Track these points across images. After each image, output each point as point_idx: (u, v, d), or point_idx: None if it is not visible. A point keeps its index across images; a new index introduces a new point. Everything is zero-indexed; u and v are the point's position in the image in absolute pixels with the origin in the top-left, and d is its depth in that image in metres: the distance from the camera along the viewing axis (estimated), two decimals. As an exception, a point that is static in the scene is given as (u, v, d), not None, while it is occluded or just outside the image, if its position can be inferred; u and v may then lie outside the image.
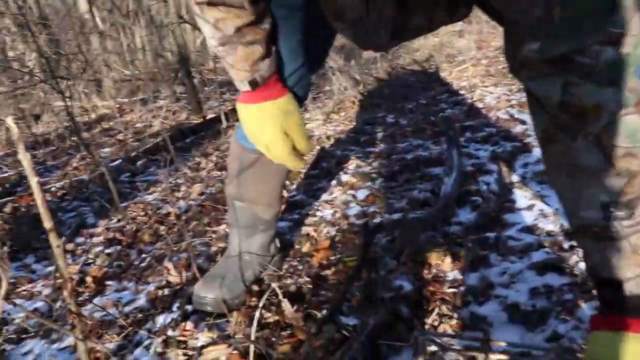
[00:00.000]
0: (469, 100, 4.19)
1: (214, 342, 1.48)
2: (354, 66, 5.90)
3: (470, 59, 6.07)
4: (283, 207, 2.52)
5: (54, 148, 5.17)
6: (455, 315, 1.53)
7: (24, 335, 1.78)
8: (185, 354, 1.47)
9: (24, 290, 2.09)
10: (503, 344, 1.25)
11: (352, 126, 4.06)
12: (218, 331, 1.60)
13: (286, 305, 1.59)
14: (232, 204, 1.75)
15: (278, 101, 1.35)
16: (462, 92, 4.62)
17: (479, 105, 4.02)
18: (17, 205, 3.25)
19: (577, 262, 1.71)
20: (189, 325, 1.61)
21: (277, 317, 1.60)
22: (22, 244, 2.58)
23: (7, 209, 3.19)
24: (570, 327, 1.40)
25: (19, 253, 2.50)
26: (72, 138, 5.16)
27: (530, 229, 2.01)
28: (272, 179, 1.72)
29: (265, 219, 1.77)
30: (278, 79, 1.37)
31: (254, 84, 1.31)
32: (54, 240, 1.17)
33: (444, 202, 2.19)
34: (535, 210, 2.17)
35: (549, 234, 1.95)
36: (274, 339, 1.50)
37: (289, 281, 1.81)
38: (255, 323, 1.35)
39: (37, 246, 2.56)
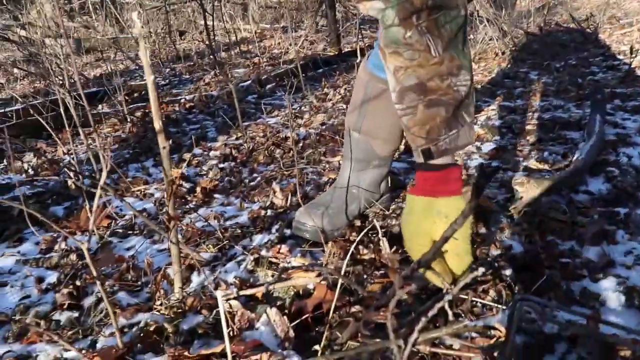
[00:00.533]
0: (626, 66, 3.78)
1: (305, 269, 1.45)
2: (504, 17, 5.54)
3: (637, 22, 5.47)
4: (402, 147, 2.43)
5: (191, 63, 5.36)
6: (564, 287, 1.39)
7: (129, 232, 1.86)
8: (273, 275, 1.46)
9: (138, 190, 2.19)
10: (614, 327, 1.11)
11: (490, 78, 3.84)
12: (311, 259, 1.57)
13: (384, 244, 1.53)
14: (349, 134, 1.69)
15: (453, 199, 1.23)
16: (620, 56, 4.19)
17: (638, 72, 3.62)
18: (147, 111, 3.40)
19: None
20: (283, 248, 1.60)
21: (373, 255, 1.54)
22: (145, 148, 2.70)
23: (139, 113, 3.35)
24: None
25: (140, 156, 2.62)
26: (210, 56, 5.31)
27: (670, 212, 1.79)
28: (391, 115, 1.62)
29: (381, 155, 1.69)
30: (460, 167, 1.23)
31: (427, 155, 1.15)
32: (162, 141, 1.17)
33: (574, 167, 2.00)
34: (682, 193, 1.93)
35: (692, 220, 1.73)
36: (365, 276, 1.45)
37: (393, 222, 1.74)
38: (348, 257, 1.30)
39: (158, 152, 2.66)
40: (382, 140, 1.66)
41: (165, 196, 1.21)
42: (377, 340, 1.05)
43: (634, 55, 3.82)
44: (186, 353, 1.15)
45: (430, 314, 0.87)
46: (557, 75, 3.75)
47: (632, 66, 3.76)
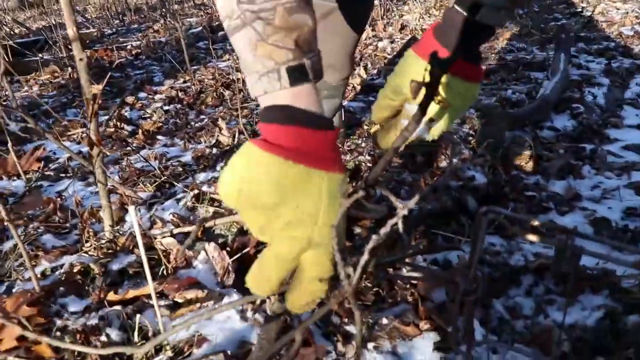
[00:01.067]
0: (590, 14, 3.71)
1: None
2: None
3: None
4: (359, 88, 2.31)
5: (143, 16, 5.11)
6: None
7: (62, 175, 1.70)
8: (216, 212, 1.33)
9: (74, 134, 2.02)
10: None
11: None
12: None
13: None
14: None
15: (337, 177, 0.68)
16: (582, 4, 4.11)
17: (600, 18, 3.55)
18: (90, 57, 3.19)
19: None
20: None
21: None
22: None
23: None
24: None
25: (79, 101, 2.43)
26: (163, 9, 5.06)
27: (636, 148, 1.71)
28: (339, 39, 1.48)
29: (331, 84, 1.56)
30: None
31: (299, 77, 0.66)
32: (77, 52, 1.02)
33: (539, 104, 1.90)
34: (647, 130, 1.86)
35: (660, 155, 1.66)
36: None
37: (347, 157, 1.61)
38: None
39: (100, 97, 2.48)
40: (331, 68, 1.52)
41: (87, 117, 1.06)
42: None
43: (596, 3, 3.76)
44: (112, 294, 1.02)
45: (383, 231, 0.76)
46: (520, 20, 3.65)
47: (595, 12, 3.70)
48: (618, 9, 3.82)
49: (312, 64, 0.66)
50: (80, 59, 1.01)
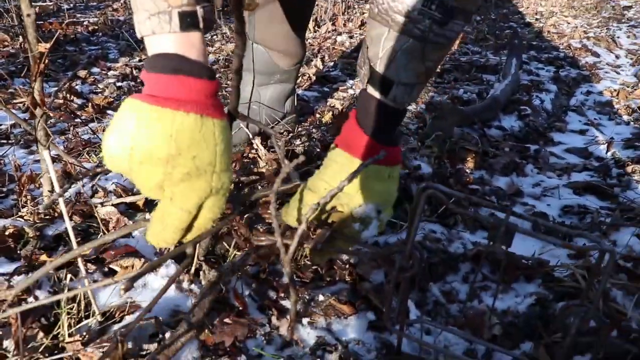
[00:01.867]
0: (542, 25, 3.82)
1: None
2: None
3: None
4: (314, 78, 2.31)
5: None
6: (472, 213, 1.33)
7: (4, 141, 1.65)
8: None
9: (20, 102, 1.96)
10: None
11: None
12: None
13: (260, 150, 1.43)
14: (248, 45, 1.54)
15: (225, 123, 0.68)
16: (536, 16, 4.24)
17: (552, 30, 3.66)
18: (44, 30, 3.10)
19: (624, 190, 1.48)
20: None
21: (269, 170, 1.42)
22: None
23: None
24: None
25: (29, 70, 2.36)
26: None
27: (577, 151, 1.78)
28: (285, 24, 1.49)
29: (283, 68, 1.56)
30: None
31: (191, 23, 0.64)
32: (25, 6, 0.99)
33: (489, 103, 1.95)
34: (588, 136, 1.93)
35: (598, 159, 1.72)
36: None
37: (297, 142, 1.61)
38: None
39: (51, 68, 2.41)
40: (283, 53, 1.53)
41: (31, 76, 1.03)
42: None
43: (549, 16, 3.87)
44: (45, 257, 0.99)
45: (322, 201, 0.76)
46: (477, 26, 3.73)
47: (548, 24, 3.81)
48: (569, 23, 3.96)
49: (204, 13, 0.65)
50: (28, 15, 0.98)
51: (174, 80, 0.62)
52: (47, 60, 1.00)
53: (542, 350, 0.90)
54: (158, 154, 0.61)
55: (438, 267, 1.11)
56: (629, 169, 1.59)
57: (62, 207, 0.81)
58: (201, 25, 0.64)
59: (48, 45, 1.00)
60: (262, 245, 0.95)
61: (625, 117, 2.11)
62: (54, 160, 1.33)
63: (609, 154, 1.73)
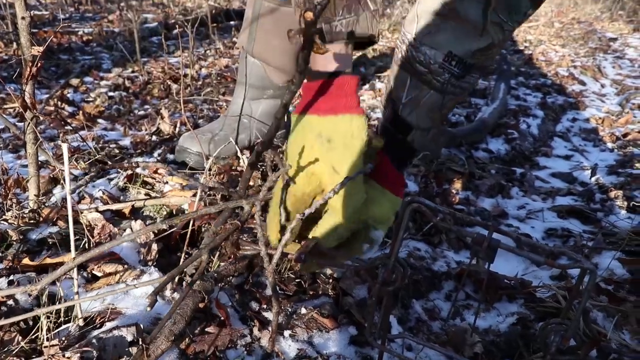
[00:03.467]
0: (531, 52, 3.88)
1: (181, 189, 1.31)
2: None
3: (544, 18, 5.69)
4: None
5: (99, 7, 5.02)
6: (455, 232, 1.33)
7: (-8, 146, 1.65)
8: (147, 195, 1.31)
9: (11, 108, 1.95)
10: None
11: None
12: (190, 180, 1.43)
13: (243, 159, 1.45)
14: (244, 56, 1.55)
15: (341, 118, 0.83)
16: (525, 44, 4.30)
17: (540, 58, 3.72)
18: (39, 38, 3.11)
19: (607, 214, 1.50)
20: (161, 170, 1.43)
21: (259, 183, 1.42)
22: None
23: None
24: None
25: (21, 77, 2.36)
26: (121, 2, 4.98)
27: (562, 176, 1.80)
28: (286, 40, 1.50)
29: (277, 84, 1.57)
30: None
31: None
32: (19, 9, 0.99)
33: (476, 125, 1.97)
34: (573, 161, 1.95)
35: (582, 184, 1.74)
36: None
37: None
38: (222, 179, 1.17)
39: (43, 76, 2.41)
40: (278, 69, 1.54)
41: (23, 79, 1.03)
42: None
43: (537, 44, 3.93)
44: (27, 260, 0.99)
45: (307, 211, 0.77)
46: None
47: (536, 52, 3.87)
48: (557, 52, 4.03)
49: None
50: (23, 18, 0.99)
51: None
52: (39, 64, 1.01)
53: (521, 368, 0.90)
54: None
55: (421, 284, 1.12)
56: (612, 194, 1.61)
57: (69, 211, 0.81)
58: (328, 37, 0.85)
59: (41, 49, 1.00)
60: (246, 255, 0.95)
61: (610, 144, 2.14)
62: (41, 166, 1.33)
63: (593, 179, 1.75)
